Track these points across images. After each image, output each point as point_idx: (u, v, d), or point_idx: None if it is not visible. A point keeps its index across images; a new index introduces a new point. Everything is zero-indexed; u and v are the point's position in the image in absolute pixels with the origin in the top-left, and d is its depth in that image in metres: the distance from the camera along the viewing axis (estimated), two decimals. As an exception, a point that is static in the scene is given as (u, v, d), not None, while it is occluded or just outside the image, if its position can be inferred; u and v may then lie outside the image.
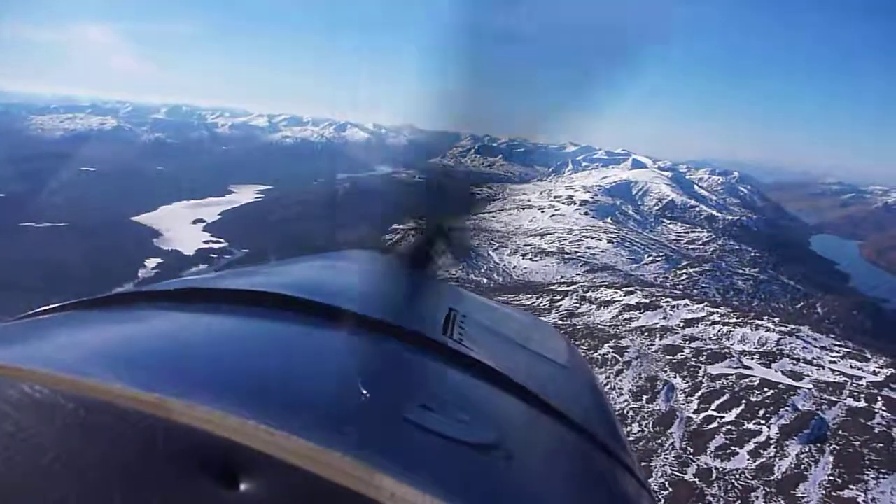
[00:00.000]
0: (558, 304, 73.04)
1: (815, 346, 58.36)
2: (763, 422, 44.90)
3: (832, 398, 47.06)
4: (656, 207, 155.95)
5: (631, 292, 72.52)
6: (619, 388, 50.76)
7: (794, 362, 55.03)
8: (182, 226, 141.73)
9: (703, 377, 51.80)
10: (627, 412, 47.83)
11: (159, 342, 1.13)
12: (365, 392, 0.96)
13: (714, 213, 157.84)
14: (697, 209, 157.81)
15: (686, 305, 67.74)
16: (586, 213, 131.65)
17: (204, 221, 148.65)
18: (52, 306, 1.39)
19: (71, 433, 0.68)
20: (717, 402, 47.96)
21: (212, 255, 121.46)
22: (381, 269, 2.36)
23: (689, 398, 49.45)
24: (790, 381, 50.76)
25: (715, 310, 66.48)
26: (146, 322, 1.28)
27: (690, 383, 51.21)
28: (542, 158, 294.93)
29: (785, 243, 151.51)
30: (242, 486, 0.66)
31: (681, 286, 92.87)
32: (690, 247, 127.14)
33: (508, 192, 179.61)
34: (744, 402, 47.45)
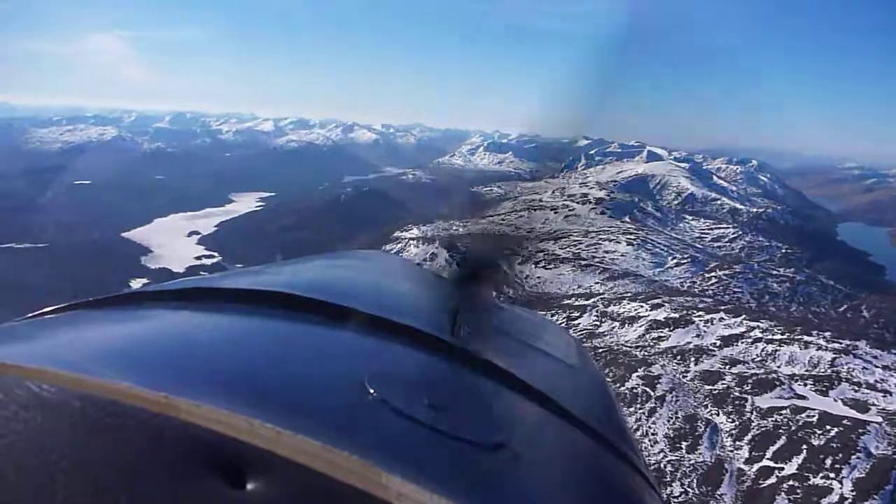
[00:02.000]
0: (576, 321, 64.96)
1: (877, 366, 50.36)
2: (832, 474, 37.06)
3: (910, 435, 39.24)
4: (676, 202, 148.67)
5: (658, 305, 64.49)
6: (654, 434, 42.84)
7: (856, 388, 47.06)
8: (175, 240, 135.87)
9: (751, 413, 43.95)
10: (665, 465, 39.94)
11: (166, 341, 1.14)
12: (372, 391, 0.96)
13: (737, 205, 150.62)
14: (719, 202, 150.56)
15: (721, 319, 59.75)
16: (602, 213, 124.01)
17: (199, 234, 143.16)
18: (59, 306, 1.40)
19: (78, 432, 0.68)
20: (773, 449, 40.13)
21: (202, 272, 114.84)
22: (388, 269, 2.39)
23: (737, 442, 41.60)
24: (855, 414, 42.83)
25: (755, 324, 58.29)
26: (153, 321, 1.30)
27: (737, 422, 43.34)
28: (555, 154, 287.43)
29: (814, 235, 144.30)
30: (249, 486, 0.66)
31: (710, 292, 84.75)
32: (716, 245, 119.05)
33: (519, 190, 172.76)
34: (805, 446, 39.58)
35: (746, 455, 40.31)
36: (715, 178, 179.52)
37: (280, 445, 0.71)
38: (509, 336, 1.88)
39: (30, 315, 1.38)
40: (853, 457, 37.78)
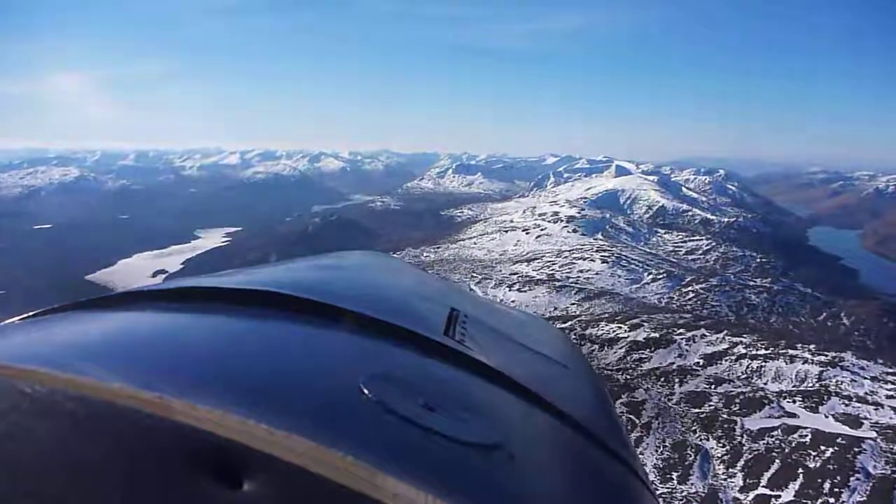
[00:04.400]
0: (554, 346, 62.79)
1: (865, 377, 48.80)
2: (832, 499, 35.17)
3: (907, 450, 37.61)
4: (647, 216, 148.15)
5: (637, 325, 62.59)
6: (642, 466, 40.52)
7: (846, 402, 45.36)
8: (141, 280, 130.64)
9: (741, 436, 42.01)
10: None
11: (161, 342, 1.14)
12: (366, 392, 0.97)
13: (708, 216, 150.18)
14: (690, 214, 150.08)
15: (703, 336, 58.01)
16: (575, 231, 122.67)
17: (165, 272, 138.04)
18: (53, 307, 1.37)
19: (72, 433, 0.68)
20: (768, 475, 38.16)
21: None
22: (384, 270, 2.43)
23: (730, 469, 39.54)
24: (848, 431, 41.07)
25: (738, 339, 56.63)
26: (147, 321, 1.29)
27: (728, 447, 41.33)
28: (523, 173, 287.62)
29: (786, 242, 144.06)
30: (244, 486, 0.66)
31: (689, 307, 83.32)
32: (691, 258, 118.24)
33: (490, 211, 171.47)
34: (801, 470, 37.67)
35: (741, 483, 38.22)
36: (684, 189, 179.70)
37: (275, 446, 0.71)
38: (504, 336, 1.85)
39: (25, 315, 1.35)
40: (852, 479, 35.96)
